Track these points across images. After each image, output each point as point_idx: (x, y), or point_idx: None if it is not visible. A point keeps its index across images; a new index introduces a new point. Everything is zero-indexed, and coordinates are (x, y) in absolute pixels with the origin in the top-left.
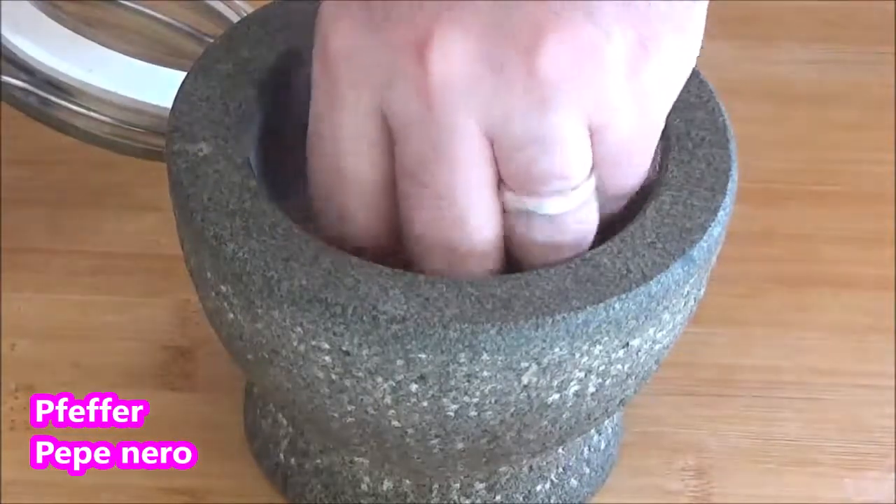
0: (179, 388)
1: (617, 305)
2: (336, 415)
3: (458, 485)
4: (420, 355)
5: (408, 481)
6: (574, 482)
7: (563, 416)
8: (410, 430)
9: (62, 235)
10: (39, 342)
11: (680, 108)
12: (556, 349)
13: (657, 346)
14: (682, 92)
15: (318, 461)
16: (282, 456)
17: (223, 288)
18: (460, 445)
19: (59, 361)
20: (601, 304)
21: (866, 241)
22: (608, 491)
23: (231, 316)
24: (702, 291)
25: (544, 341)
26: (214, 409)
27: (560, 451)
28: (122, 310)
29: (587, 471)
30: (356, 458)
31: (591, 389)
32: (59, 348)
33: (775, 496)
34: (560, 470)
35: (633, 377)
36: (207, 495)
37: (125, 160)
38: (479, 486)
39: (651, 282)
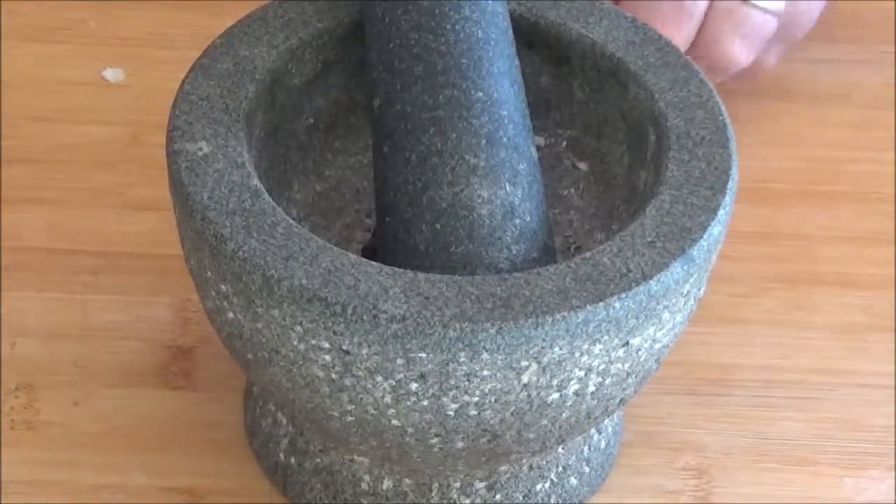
0: (179, 387)
1: (617, 304)
2: (336, 414)
3: (458, 484)
4: (420, 354)
5: (408, 480)
6: (574, 481)
7: (563, 415)
8: (410, 430)
9: (62, 235)
10: (39, 342)
11: (680, 108)
12: (556, 348)
13: (657, 346)
14: (682, 91)
15: (318, 460)
16: (282, 455)
17: (223, 287)
18: (460, 444)
19: (59, 361)
20: (601, 303)
21: (866, 241)
22: (608, 490)
23: (231, 315)
24: (702, 291)
25: (544, 340)
26: (214, 408)
27: (560, 450)
28: (122, 310)
29: (587, 470)
30: (356, 457)
31: (591, 388)
32: (59, 348)
33: (775, 496)
34: (560, 469)
35: (633, 376)
36: (207, 495)
37: (125, 160)
38: (479, 484)
39: (651, 281)
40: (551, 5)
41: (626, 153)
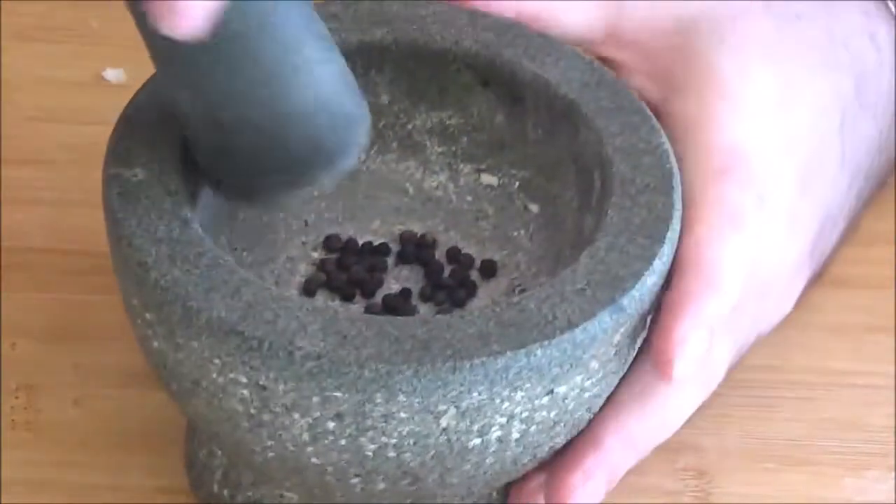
0: None
1: (539, 352)
2: (257, 449)
3: None
4: (336, 393)
5: None
6: None
7: (487, 460)
8: (330, 468)
9: (62, 235)
10: (39, 342)
11: (627, 153)
12: (475, 393)
13: (586, 395)
14: (632, 137)
15: (250, 493)
16: (216, 486)
17: (147, 316)
18: (381, 486)
19: (59, 361)
20: (522, 350)
21: (866, 242)
22: (608, 491)
23: (156, 344)
24: (640, 339)
25: (462, 385)
26: None
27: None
28: (122, 310)
29: None
30: (285, 493)
31: (516, 435)
32: (59, 348)
33: (775, 496)
34: None
35: (562, 424)
36: None
37: None
38: None
39: (576, 329)
40: (508, 42)
41: (576, 197)
